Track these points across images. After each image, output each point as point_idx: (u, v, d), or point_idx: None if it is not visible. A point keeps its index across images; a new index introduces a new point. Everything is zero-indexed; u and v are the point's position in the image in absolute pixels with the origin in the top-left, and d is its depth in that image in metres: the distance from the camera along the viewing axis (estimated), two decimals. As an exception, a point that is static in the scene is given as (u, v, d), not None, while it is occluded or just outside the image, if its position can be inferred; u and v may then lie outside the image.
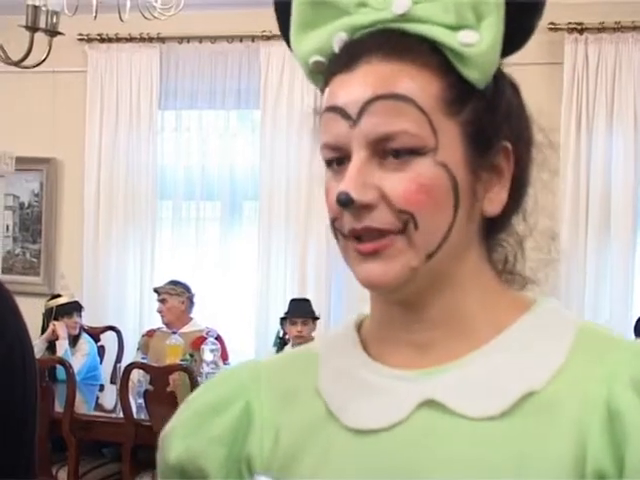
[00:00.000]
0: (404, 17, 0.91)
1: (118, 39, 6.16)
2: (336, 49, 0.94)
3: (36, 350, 5.14)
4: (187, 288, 5.51)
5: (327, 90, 0.94)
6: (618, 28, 5.38)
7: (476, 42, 0.90)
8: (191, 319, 5.51)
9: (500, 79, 0.95)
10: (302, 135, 5.83)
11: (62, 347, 5.39)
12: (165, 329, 5.45)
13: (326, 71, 0.95)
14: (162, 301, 5.45)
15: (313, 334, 5.05)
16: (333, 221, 0.93)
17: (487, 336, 0.93)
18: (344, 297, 5.84)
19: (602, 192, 5.42)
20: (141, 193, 6.17)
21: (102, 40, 6.20)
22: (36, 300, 5.86)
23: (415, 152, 0.89)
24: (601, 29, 5.39)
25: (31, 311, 5.75)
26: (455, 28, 0.90)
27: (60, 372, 4.93)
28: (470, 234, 0.95)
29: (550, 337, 0.93)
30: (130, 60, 6.19)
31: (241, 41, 5.99)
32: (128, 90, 6.19)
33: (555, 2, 5.94)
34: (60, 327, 5.45)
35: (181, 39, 6.08)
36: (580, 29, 5.42)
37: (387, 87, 0.89)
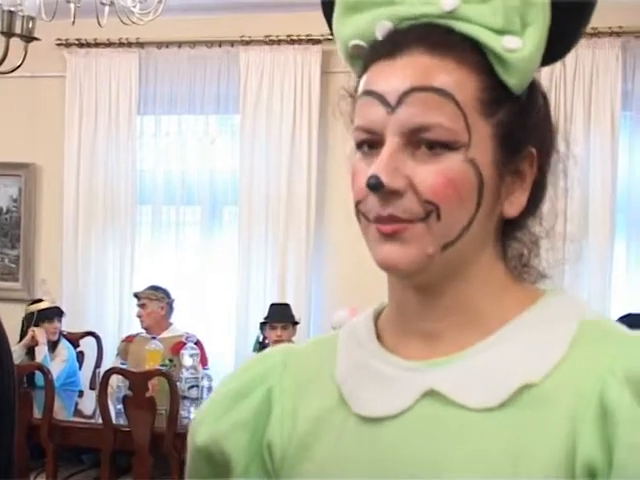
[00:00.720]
0: (451, 14, 0.93)
1: (97, 44, 6.14)
2: (378, 36, 0.96)
3: (15, 356, 5.11)
4: (167, 293, 5.51)
5: (367, 75, 0.96)
6: (595, 34, 5.41)
7: (519, 48, 0.92)
8: (170, 324, 5.51)
9: (534, 87, 0.98)
10: (282, 140, 5.84)
11: (41, 353, 5.37)
12: (144, 334, 5.44)
13: (366, 56, 0.97)
14: (142, 306, 5.44)
15: (293, 339, 5.05)
16: (357, 204, 0.95)
17: (493, 329, 0.96)
18: (324, 302, 5.85)
19: (580, 196, 5.45)
20: (120, 198, 6.16)
21: (81, 45, 6.19)
22: (15, 306, 5.83)
23: (447, 146, 0.91)
24: (578, 35, 5.42)
25: (10, 317, 5.72)
26: (500, 32, 0.92)
27: (39, 378, 4.91)
28: (488, 232, 0.98)
29: (552, 330, 0.95)
30: (109, 65, 6.17)
31: (220, 46, 6.00)
32: (107, 95, 6.18)
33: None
34: (39, 333, 5.43)
35: (160, 44, 6.08)
36: (557, 34, 5.45)
37: (427, 80, 0.92)
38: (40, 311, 5.54)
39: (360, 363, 1.01)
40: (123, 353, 5.47)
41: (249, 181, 5.90)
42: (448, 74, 0.92)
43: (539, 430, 0.90)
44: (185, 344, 5.19)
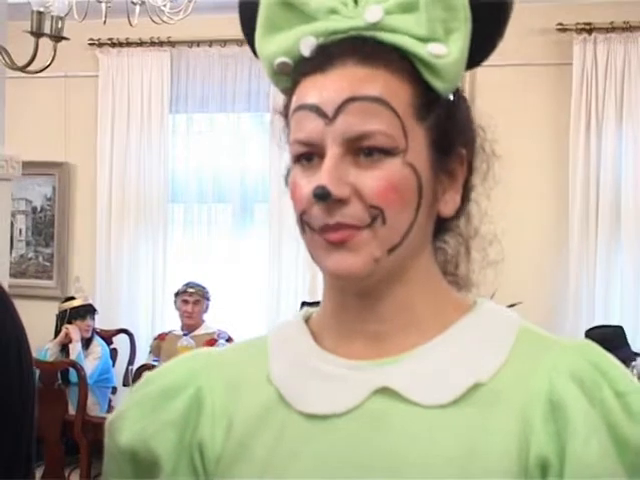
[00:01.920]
0: (376, 26, 0.96)
1: (129, 43, 6.19)
2: (304, 52, 0.99)
3: (49, 353, 5.14)
4: None
5: (299, 89, 0.98)
6: (627, 28, 5.38)
7: (445, 54, 0.96)
8: (203, 321, 5.55)
9: (457, 91, 1.01)
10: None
11: (75, 350, 5.41)
12: (177, 332, 5.49)
13: (294, 72, 1.00)
14: (196, 302, 5.48)
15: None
16: (302, 214, 0.97)
17: (434, 331, 0.99)
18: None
19: (612, 192, 5.41)
20: (153, 196, 6.20)
21: (113, 45, 6.24)
22: (49, 304, 5.89)
23: (387, 152, 0.94)
24: (610, 29, 5.39)
25: (44, 314, 5.78)
26: (425, 40, 0.96)
27: (73, 375, 4.96)
28: (427, 233, 1.01)
29: (493, 335, 0.99)
30: (141, 64, 6.22)
31: (251, 44, 6.01)
32: (139, 94, 6.22)
33: (563, 3, 5.89)
34: (73, 330, 5.47)
35: (191, 43, 6.11)
36: (589, 29, 5.42)
37: (364, 89, 0.94)
38: (72, 309, 5.58)
39: (299, 364, 1.02)
40: (156, 350, 5.51)
41: (280, 178, 5.86)
42: (382, 83, 0.95)
43: (490, 426, 0.93)
44: (217, 341, 5.22)
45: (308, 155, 0.97)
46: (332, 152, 0.94)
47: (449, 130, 0.99)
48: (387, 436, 0.94)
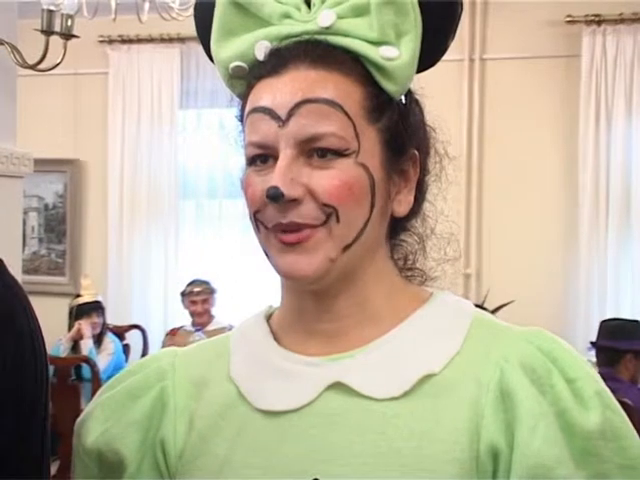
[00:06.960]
0: (329, 30, 0.98)
1: (139, 40, 6.22)
2: (259, 56, 1.00)
3: (62, 349, 5.13)
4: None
5: (253, 93, 0.99)
6: (636, 19, 5.36)
7: (396, 57, 0.97)
8: (213, 317, 5.57)
9: (409, 94, 1.03)
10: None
11: (86, 346, 5.43)
12: (188, 327, 5.51)
13: (248, 76, 1.01)
14: (204, 301, 5.50)
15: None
16: (255, 213, 0.99)
17: (390, 325, 1.01)
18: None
19: (622, 184, 5.40)
20: (164, 193, 6.22)
21: (123, 41, 6.26)
22: (62, 300, 5.91)
23: (339, 153, 0.96)
24: (619, 20, 5.38)
25: (57, 311, 5.80)
26: (377, 43, 0.97)
27: (86, 370, 4.98)
28: (381, 232, 1.02)
29: (447, 326, 1.01)
30: (151, 61, 6.24)
31: (260, 39, 6.02)
32: (149, 90, 6.24)
33: (572, -5, 5.82)
34: (85, 326, 5.49)
35: (201, 39, 6.12)
36: (598, 21, 5.41)
37: (316, 92, 0.96)
38: (78, 306, 5.60)
39: (258, 361, 1.04)
40: (168, 346, 5.51)
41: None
42: (335, 85, 0.96)
43: (441, 415, 0.95)
44: (229, 336, 5.24)
45: (263, 157, 0.98)
46: (285, 154, 0.95)
47: (401, 132, 1.00)
48: (340, 430, 0.96)
